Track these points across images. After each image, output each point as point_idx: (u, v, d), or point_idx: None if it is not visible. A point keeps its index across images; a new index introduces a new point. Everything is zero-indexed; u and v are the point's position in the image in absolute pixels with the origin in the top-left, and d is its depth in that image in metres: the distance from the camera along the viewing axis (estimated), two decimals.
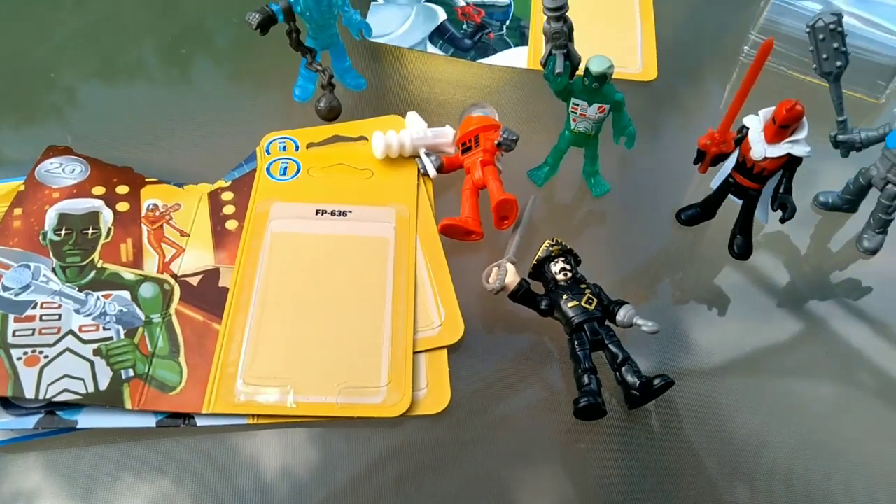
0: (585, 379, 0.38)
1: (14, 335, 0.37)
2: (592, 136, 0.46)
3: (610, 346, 0.39)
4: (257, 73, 0.56)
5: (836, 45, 0.39)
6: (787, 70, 0.55)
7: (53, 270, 0.40)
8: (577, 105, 0.44)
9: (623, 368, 0.38)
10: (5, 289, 0.39)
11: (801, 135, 0.39)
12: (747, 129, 0.41)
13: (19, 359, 0.36)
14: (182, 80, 0.56)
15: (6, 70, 0.55)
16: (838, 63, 0.40)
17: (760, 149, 0.40)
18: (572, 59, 0.43)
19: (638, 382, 0.37)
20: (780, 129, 0.39)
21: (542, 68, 0.43)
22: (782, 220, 0.41)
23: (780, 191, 0.41)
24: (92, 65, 0.56)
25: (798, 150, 0.39)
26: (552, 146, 0.48)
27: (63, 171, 0.45)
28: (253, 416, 0.37)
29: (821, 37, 0.40)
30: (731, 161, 0.42)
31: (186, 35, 0.59)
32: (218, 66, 0.57)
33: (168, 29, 0.59)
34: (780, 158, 0.40)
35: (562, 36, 0.42)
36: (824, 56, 0.40)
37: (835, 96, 0.42)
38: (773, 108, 0.39)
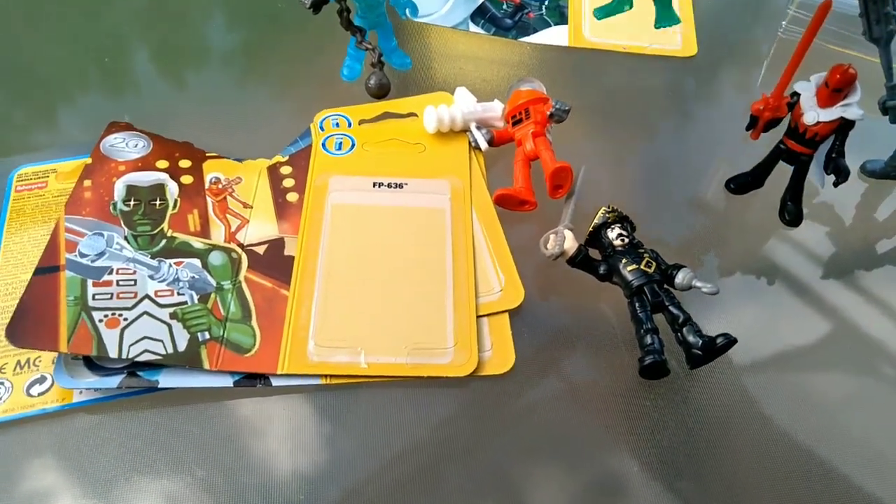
0: (648, 339, 0.39)
1: (94, 298, 0.39)
2: None
3: (670, 308, 0.40)
4: (306, 53, 0.57)
5: (887, 9, 0.40)
6: (826, 44, 0.56)
7: (126, 239, 0.41)
8: None
9: (685, 329, 0.39)
10: (82, 255, 0.40)
11: (854, 98, 0.40)
12: (798, 95, 0.42)
13: (100, 321, 0.38)
14: (233, 62, 0.57)
15: (66, 52, 0.56)
16: (890, 27, 0.41)
17: (813, 114, 0.41)
18: None
19: (700, 342, 0.38)
20: (833, 93, 0.40)
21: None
22: (836, 184, 0.42)
23: (833, 155, 0.41)
24: (149, 45, 0.57)
25: (851, 114, 0.40)
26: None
27: (126, 146, 0.46)
28: (326, 376, 0.38)
29: (872, 1, 0.41)
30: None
31: (237, 19, 0.60)
32: (267, 48, 0.58)
33: (219, 11, 0.61)
34: (832, 122, 0.40)
35: None
36: (875, 20, 0.41)
37: (884, 62, 0.43)
38: (824, 73, 0.40)
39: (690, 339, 0.39)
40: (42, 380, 0.37)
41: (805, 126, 0.41)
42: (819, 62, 0.43)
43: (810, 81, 0.41)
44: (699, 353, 0.38)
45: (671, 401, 0.40)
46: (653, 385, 0.40)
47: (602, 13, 0.26)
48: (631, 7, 0.27)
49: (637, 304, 0.40)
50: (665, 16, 0.31)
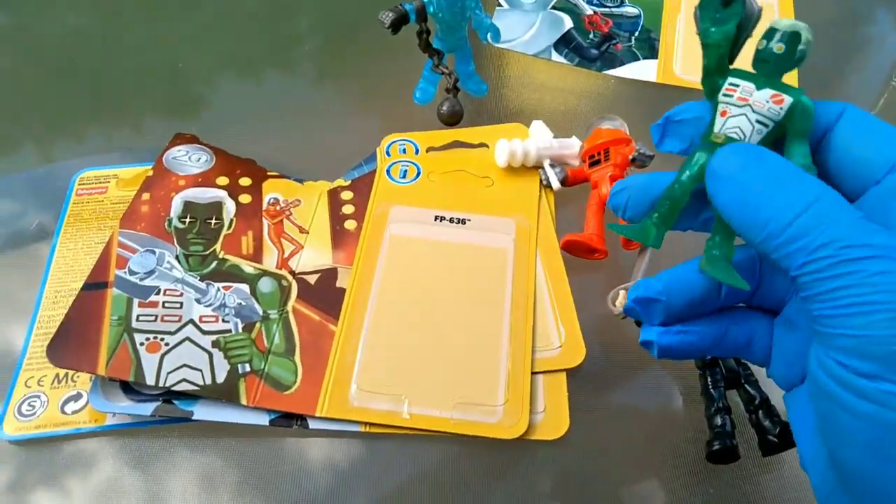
0: (719, 419, 0.35)
1: (138, 320, 0.37)
2: None
3: (746, 386, 0.36)
4: (378, 73, 0.55)
5: None
6: None
7: (177, 258, 0.40)
8: (736, 86, 0.24)
9: (761, 411, 0.35)
10: (131, 272, 0.39)
11: None
12: None
13: (142, 344, 0.36)
14: (303, 77, 0.56)
15: (137, 59, 0.56)
16: None
17: None
18: (748, 11, 0.24)
19: (777, 428, 0.34)
20: None
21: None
22: None
23: None
24: (217, 58, 0.57)
25: None
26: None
27: (189, 160, 0.45)
28: (366, 423, 0.36)
29: None
30: None
31: (308, 31, 0.59)
32: (339, 65, 0.57)
33: (291, 24, 0.60)
34: None
35: None
36: None
37: None
38: None
39: (766, 423, 0.35)
40: (77, 397, 0.36)
41: None
42: None
43: None
44: (775, 440, 0.34)
45: (738, 489, 0.36)
46: (719, 470, 0.36)
47: (621, 230, 0.23)
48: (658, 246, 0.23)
49: (709, 378, 0.36)
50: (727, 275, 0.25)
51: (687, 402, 0.38)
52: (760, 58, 0.23)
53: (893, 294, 0.19)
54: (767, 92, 0.23)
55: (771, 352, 0.27)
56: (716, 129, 0.23)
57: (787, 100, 0.23)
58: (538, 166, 0.46)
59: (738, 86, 0.23)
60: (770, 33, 0.23)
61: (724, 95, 0.23)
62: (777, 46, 0.22)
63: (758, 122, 0.23)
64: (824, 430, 0.22)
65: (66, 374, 0.37)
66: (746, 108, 0.23)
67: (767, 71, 0.23)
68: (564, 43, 0.56)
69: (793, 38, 0.22)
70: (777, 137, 0.23)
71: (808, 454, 0.24)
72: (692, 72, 0.54)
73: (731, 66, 0.24)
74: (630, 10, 0.58)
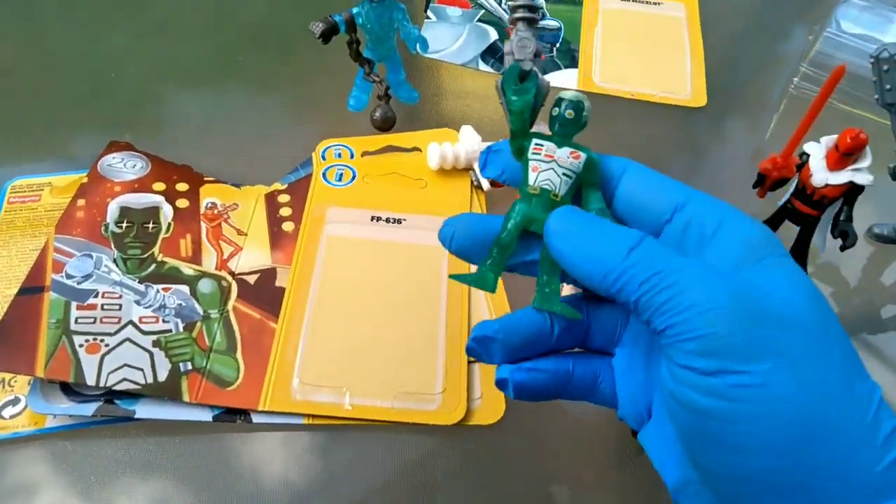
0: None
1: (76, 322, 0.38)
2: (559, 203, 0.27)
3: None
4: (312, 82, 0.57)
5: None
6: (838, 104, 0.56)
7: (115, 261, 0.41)
8: (541, 145, 0.27)
9: None
10: (68, 276, 0.39)
11: (864, 163, 0.39)
12: (808, 155, 0.41)
13: (81, 345, 0.37)
14: (238, 86, 0.57)
15: (70, 68, 0.56)
16: None
17: (822, 176, 0.40)
18: (539, 85, 0.28)
19: None
20: (843, 156, 0.39)
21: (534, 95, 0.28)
22: (842, 248, 0.41)
23: (841, 218, 0.41)
24: (152, 68, 0.57)
25: (861, 179, 0.39)
26: None
27: (124, 166, 0.45)
28: (308, 415, 0.37)
29: (885, 68, 0.40)
30: (789, 187, 0.42)
31: (243, 41, 0.60)
32: (274, 75, 0.58)
33: (226, 34, 0.60)
34: (841, 186, 0.40)
35: (530, 45, 0.36)
36: (887, 87, 0.41)
37: (895, 126, 0.42)
38: (835, 136, 0.40)
39: None
40: (16, 401, 0.36)
41: (813, 188, 0.41)
42: (830, 122, 0.42)
43: (820, 143, 0.41)
44: None
45: None
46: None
47: (464, 279, 0.26)
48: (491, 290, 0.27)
49: None
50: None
51: None
52: (556, 122, 0.27)
53: (718, 295, 0.22)
54: (566, 150, 0.27)
55: (616, 393, 0.29)
56: (531, 182, 0.27)
57: (583, 155, 0.27)
58: (469, 168, 0.49)
59: (542, 145, 0.27)
60: (558, 102, 0.27)
61: (534, 154, 0.27)
62: (568, 113, 0.27)
63: (564, 174, 0.27)
64: (687, 444, 0.24)
65: (3, 379, 0.37)
66: (553, 163, 0.27)
67: (562, 133, 0.27)
68: (490, 53, 0.59)
69: (578, 105, 0.27)
70: (578, 186, 0.27)
71: (678, 485, 0.26)
72: (610, 80, 0.58)
73: (530, 130, 0.28)
74: (551, 23, 0.61)
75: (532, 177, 0.27)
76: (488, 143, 0.47)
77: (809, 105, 0.39)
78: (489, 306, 0.42)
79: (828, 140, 0.40)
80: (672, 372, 0.23)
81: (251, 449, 0.36)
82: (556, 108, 0.27)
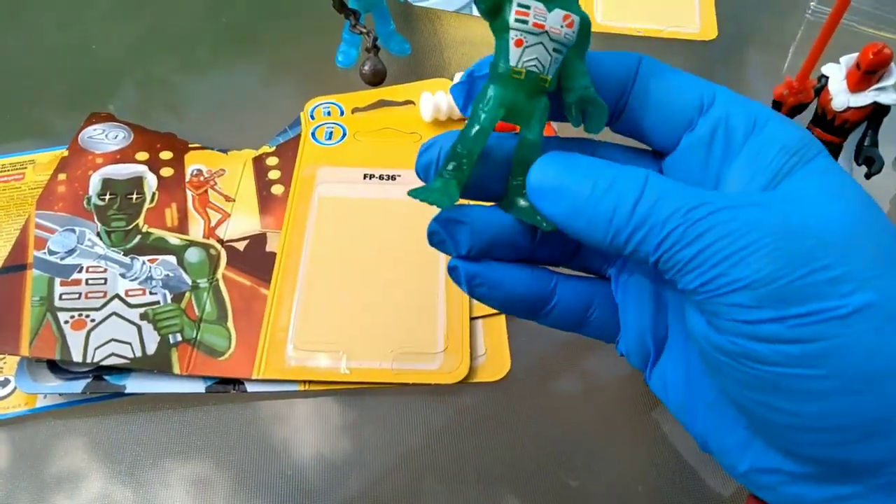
0: None
1: (61, 298, 0.36)
2: (546, 89, 0.21)
3: None
4: (299, 40, 0.54)
5: None
6: (858, 26, 0.52)
7: (98, 235, 0.39)
8: (527, 8, 0.20)
9: None
10: (51, 252, 0.38)
11: (889, 81, 0.36)
12: (827, 77, 0.38)
13: (66, 322, 0.35)
14: (222, 49, 0.55)
15: (47, 42, 0.55)
16: None
17: (843, 98, 0.37)
18: None
19: None
20: (866, 75, 0.36)
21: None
22: (868, 176, 0.38)
23: (866, 143, 0.38)
24: (132, 34, 0.55)
25: (886, 98, 0.36)
26: None
27: (106, 138, 0.44)
28: (304, 381, 0.35)
29: None
30: (807, 114, 0.39)
31: (227, 3, 0.58)
32: (258, 35, 0.56)
33: None
34: (864, 108, 0.37)
35: None
36: None
37: None
38: (855, 54, 0.37)
39: None
40: (5, 383, 0.35)
41: (834, 112, 0.37)
42: (850, 44, 0.39)
43: (840, 63, 0.38)
44: None
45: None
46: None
47: (419, 195, 0.21)
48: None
49: None
50: None
51: None
52: None
53: (755, 233, 0.18)
54: (559, 14, 0.20)
55: (617, 325, 0.25)
56: (513, 61, 0.20)
57: (576, 20, 0.20)
58: (464, 118, 0.46)
59: (528, 7, 0.20)
60: None
61: (518, 21, 0.20)
62: None
63: (554, 50, 0.20)
64: (739, 398, 0.21)
65: None
66: (543, 35, 0.20)
67: None
68: None
69: None
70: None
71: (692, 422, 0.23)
72: (613, 18, 0.54)
73: None
74: None
75: (514, 53, 0.20)
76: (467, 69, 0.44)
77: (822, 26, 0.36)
78: None
79: (848, 59, 0.37)
80: (717, 325, 0.20)
81: (248, 418, 0.35)
82: None
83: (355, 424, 0.35)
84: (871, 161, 0.38)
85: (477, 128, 0.21)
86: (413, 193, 0.21)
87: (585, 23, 0.21)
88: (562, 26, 0.20)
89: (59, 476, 0.33)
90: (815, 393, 0.19)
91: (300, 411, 0.35)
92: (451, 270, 0.24)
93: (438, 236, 0.23)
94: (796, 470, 0.20)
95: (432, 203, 0.21)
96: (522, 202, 0.22)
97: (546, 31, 0.20)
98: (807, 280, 0.18)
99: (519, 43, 0.20)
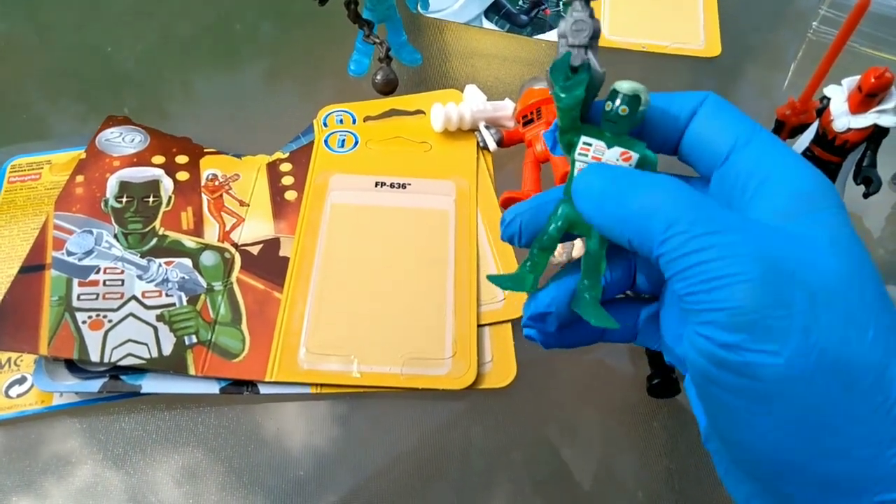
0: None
1: (79, 299, 0.37)
2: None
3: None
4: (313, 48, 0.55)
5: None
6: (859, 47, 0.53)
7: (115, 237, 0.40)
8: (589, 146, 0.25)
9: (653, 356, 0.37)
10: (69, 253, 0.39)
11: (890, 104, 0.37)
12: (828, 99, 0.39)
13: (84, 322, 0.36)
14: (237, 55, 0.56)
15: (65, 44, 0.55)
16: None
17: (844, 120, 0.38)
18: (594, 76, 0.25)
19: (656, 379, 0.36)
20: (867, 98, 0.37)
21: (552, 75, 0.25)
22: (866, 196, 0.39)
23: (865, 164, 0.39)
24: (148, 39, 0.56)
25: (886, 121, 0.37)
26: None
27: (123, 141, 0.44)
28: (316, 385, 0.36)
29: None
30: (808, 133, 0.41)
31: (241, 10, 0.59)
32: (273, 42, 0.57)
33: (224, 4, 0.59)
34: (864, 130, 0.38)
35: (586, 28, 0.26)
36: None
37: None
38: (857, 77, 0.38)
39: (652, 369, 0.37)
40: (22, 380, 0.36)
41: (835, 133, 0.39)
42: (850, 65, 0.40)
43: (842, 86, 0.39)
44: (654, 383, 0.36)
45: (681, 421, 0.37)
46: (662, 404, 0.37)
47: (498, 282, 0.28)
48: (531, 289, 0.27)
49: None
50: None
51: (629, 345, 0.39)
52: (607, 118, 0.24)
53: (746, 265, 0.20)
54: (617, 150, 0.24)
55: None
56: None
57: (634, 156, 0.24)
58: (474, 129, 0.47)
59: (591, 145, 0.25)
60: (613, 95, 0.24)
61: (580, 155, 0.25)
62: (622, 109, 0.24)
63: None
64: (705, 408, 0.23)
65: (9, 359, 0.36)
66: None
67: (615, 130, 0.24)
68: (495, 10, 0.57)
69: (633, 100, 0.24)
70: None
71: (705, 433, 0.25)
72: (620, 33, 0.55)
73: (582, 124, 0.25)
74: None
75: None
76: (494, 102, 0.45)
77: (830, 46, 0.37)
78: (498, 269, 0.41)
79: (850, 81, 0.38)
80: (691, 337, 0.22)
81: (260, 420, 0.36)
82: (610, 103, 0.24)
83: (365, 428, 0.36)
84: (869, 181, 0.39)
85: (546, 237, 0.26)
86: (491, 279, 0.28)
87: (646, 159, 0.24)
88: (618, 159, 0.25)
89: (73, 473, 0.34)
90: (753, 425, 0.21)
91: (312, 414, 0.36)
92: (529, 338, 0.29)
93: (535, 333, 0.28)
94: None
95: (504, 288, 0.28)
96: (587, 297, 0.26)
97: (603, 162, 0.25)
98: (775, 320, 0.20)
99: (580, 171, 0.25)
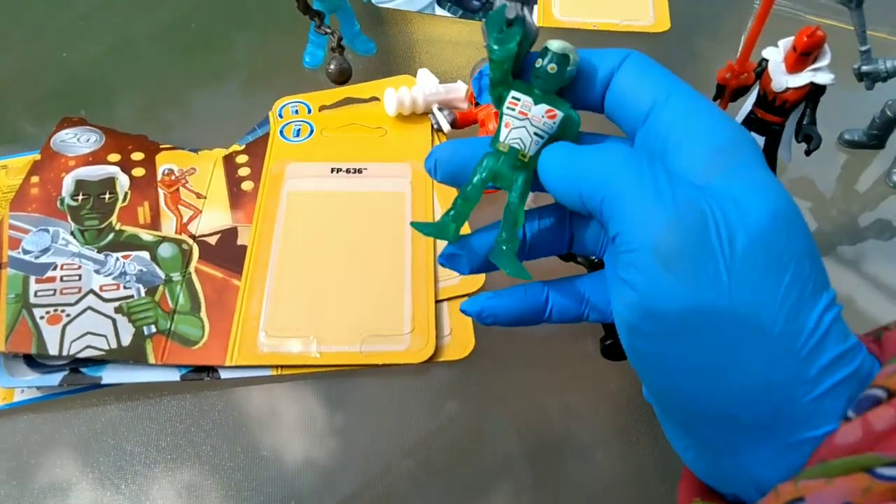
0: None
1: (36, 295, 0.37)
2: (527, 163, 0.26)
3: None
4: (267, 42, 0.56)
5: None
6: (799, 13, 0.54)
7: (72, 234, 0.40)
8: (518, 100, 0.25)
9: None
10: (25, 252, 0.39)
11: (824, 62, 0.38)
12: (766, 61, 0.40)
13: (42, 318, 0.36)
14: (191, 53, 0.56)
15: (19, 49, 0.55)
16: None
17: (782, 79, 0.39)
18: (528, 31, 0.25)
19: (609, 341, 0.37)
20: (801, 57, 0.38)
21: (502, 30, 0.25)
22: (808, 152, 0.40)
23: (805, 122, 0.40)
24: (102, 41, 0.56)
25: (821, 78, 0.38)
26: None
27: (78, 141, 0.45)
28: (277, 367, 0.37)
29: None
30: (751, 97, 0.41)
31: (197, 10, 0.59)
32: (226, 38, 0.57)
33: (179, 5, 0.59)
34: (802, 88, 0.39)
35: None
36: None
37: (857, 24, 0.41)
38: (792, 38, 0.39)
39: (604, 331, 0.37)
40: None
41: (774, 93, 0.39)
42: (789, 30, 0.41)
43: (778, 47, 0.40)
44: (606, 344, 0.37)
45: (637, 381, 0.38)
46: (618, 367, 0.38)
47: (421, 228, 0.28)
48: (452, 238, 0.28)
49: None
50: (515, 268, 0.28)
51: None
52: (536, 74, 0.25)
53: (668, 211, 0.21)
54: (543, 107, 0.25)
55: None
56: (501, 137, 0.26)
57: (559, 114, 0.25)
58: (428, 112, 0.48)
59: (519, 100, 0.25)
60: (544, 52, 0.25)
61: (508, 108, 0.25)
62: (550, 67, 0.24)
63: (535, 134, 0.25)
64: (633, 361, 0.24)
65: None
66: (526, 121, 0.25)
67: (543, 87, 0.25)
68: None
69: (562, 59, 0.24)
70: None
71: (644, 389, 0.26)
72: (571, 13, 0.56)
73: (513, 79, 0.26)
74: None
75: (504, 133, 0.25)
76: (446, 84, 0.46)
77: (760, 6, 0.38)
78: None
79: (785, 42, 0.39)
80: (617, 288, 0.23)
81: (222, 405, 0.36)
82: (540, 60, 0.24)
83: (327, 405, 0.36)
84: (809, 138, 0.40)
85: (470, 187, 0.26)
86: (415, 225, 0.27)
87: (569, 119, 0.25)
88: (543, 116, 0.25)
89: (38, 469, 0.34)
90: (667, 368, 0.22)
91: (273, 395, 0.37)
92: (464, 312, 0.29)
93: (446, 264, 0.28)
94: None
95: (427, 235, 0.28)
96: (504, 249, 0.26)
97: (529, 118, 0.25)
98: (689, 262, 0.21)
99: (507, 125, 0.25)
